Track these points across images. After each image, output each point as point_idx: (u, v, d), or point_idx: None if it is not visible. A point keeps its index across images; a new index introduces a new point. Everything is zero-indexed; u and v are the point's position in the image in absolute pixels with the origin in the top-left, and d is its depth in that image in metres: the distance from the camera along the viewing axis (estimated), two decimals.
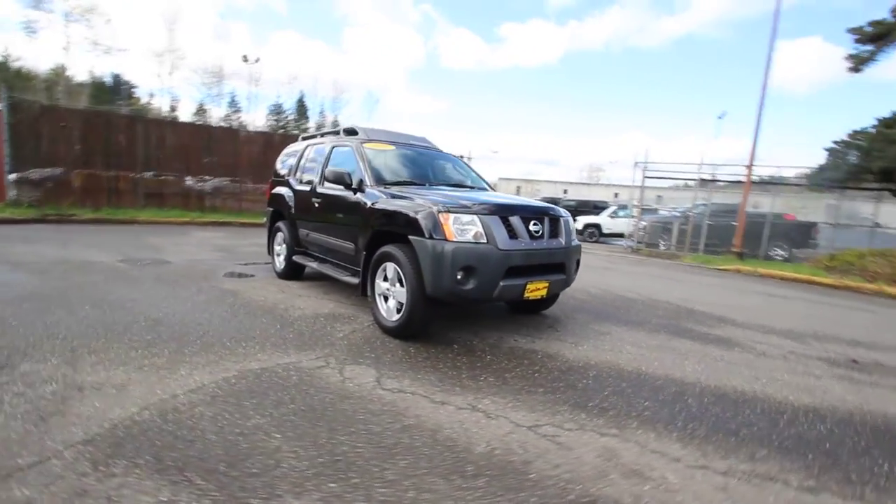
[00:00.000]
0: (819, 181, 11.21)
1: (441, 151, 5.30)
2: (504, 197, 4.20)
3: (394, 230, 3.60)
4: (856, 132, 11.06)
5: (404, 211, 3.47)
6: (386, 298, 3.71)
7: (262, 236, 10.13)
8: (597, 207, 22.64)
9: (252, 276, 5.76)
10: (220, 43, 67.24)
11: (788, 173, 16.32)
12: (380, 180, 4.12)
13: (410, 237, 3.35)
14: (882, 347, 4.26)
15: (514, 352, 3.43)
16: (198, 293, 4.64)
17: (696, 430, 2.40)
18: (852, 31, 10.20)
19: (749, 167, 12.45)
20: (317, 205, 4.79)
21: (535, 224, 3.61)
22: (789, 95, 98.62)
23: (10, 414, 2.13)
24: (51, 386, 2.43)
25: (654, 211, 18.45)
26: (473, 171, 5.23)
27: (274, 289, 5.04)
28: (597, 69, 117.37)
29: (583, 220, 18.78)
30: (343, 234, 4.33)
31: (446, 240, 3.20)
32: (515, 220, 3.49)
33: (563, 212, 4.01)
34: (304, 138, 6.20)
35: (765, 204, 14.08)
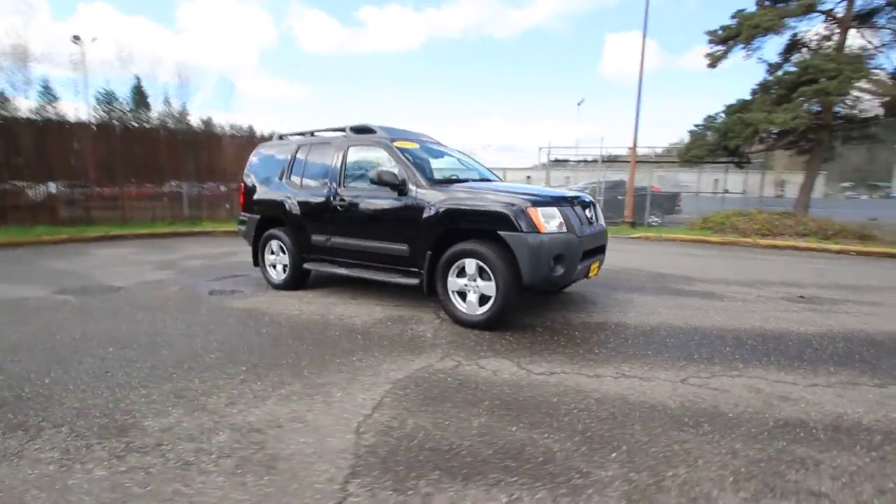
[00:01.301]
0: (688, 157, 13.67)
1: (447, 147, 5.41)
2: (552, 189, 4.56)
3: (473, 227, 3.72)
4: (709, 116, 13.73)
5: (490, 208, 3.62)
6: (462, 294, 3.83)
7: (190, 248, 9.06)
8: None
9: (241, 291, 5.25)
10: (18, 18, 54.45)
11: (635, 151, 19.36)
12: (428, 179, 4.15)
13: (501, 232, 3.53)
14: (804, 285, 5.66)
15: (589, 327, 3.86)
16: (219, 316, 4.16)
17: (779, 360, 3.10)
18: (709, 33, 12.60)
19: (633, 148, 14.56)
20: (340, 208, 4.58)
21: (588, 211, 4.05)
22: (616, 83, 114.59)
23: (226, 472, 1.89)
24: (222, 435, 2.17)
25: None
26: (479, 163, 5.47)
27: (295, 301, 4.71)
28: (457, 56, 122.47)
29: None
30: (390, 237, 4.25)
31: (539, 232, 3.47)
32: (578, 209, 3.88)
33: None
34: (281, 137, 5.75)
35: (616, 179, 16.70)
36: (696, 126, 13.88)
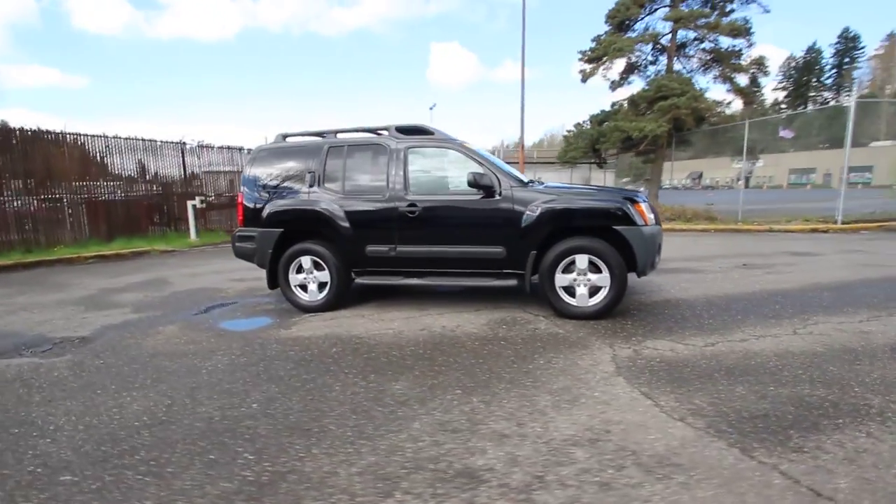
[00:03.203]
0: (566, 158, 15.85)
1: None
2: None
3: (584, 225, 3.98)
4: (578, 124, 16.13)
5: (607, 206, 3.93)
6: (566, 289, 4.04)
7: (82, 281, 7.06)
8: None
9: (268, 320, 4.51)
10: None
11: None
12: (518, 180, 4.23)
13: (618, 227, 3.86)
14: (730, 256, 7.32)
15: (664, 305, 4.47)
16: (308, 351, 3.59)
17: (817, 310, 4.12)
18: (581, 52, 14.81)
19: (521, 149, 16.19)
20: (411, 215, 4.30)
21: None
22: (447, 89, 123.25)
23: (649, 478, 1.88)
24: (577, 451, 2.08)
25: None
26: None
27: (364, 321, 4.28)
28: (281, 52, 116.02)
29: None
30: (482, 240, 4.20)
31: (647, 224, 3.92)
32: None
33: None
34: (285, 137, 5.03)
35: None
36: (569, 132, 16.16)
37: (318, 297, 4.67)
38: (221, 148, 14.65)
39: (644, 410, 2.43)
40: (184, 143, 13.64)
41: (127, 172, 12.54)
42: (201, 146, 14.07)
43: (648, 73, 16.16)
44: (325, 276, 4.62)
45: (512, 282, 4.19)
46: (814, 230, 10.42)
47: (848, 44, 60.11)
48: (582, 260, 3.97)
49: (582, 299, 4.02)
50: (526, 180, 4.38)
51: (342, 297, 4.69)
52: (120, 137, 12.19)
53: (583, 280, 4.00)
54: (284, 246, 4.69)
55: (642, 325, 3.88)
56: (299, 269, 4.70)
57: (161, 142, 13.03)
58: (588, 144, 15.27)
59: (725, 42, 14.09)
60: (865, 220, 10.83)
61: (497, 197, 4.14)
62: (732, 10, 14.29)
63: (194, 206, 12.82)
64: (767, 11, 13.75)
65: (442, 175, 4.49)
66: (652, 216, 4.07)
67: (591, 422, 2.33)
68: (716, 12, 14.16)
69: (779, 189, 49.60)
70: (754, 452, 2.01)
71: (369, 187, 4.51)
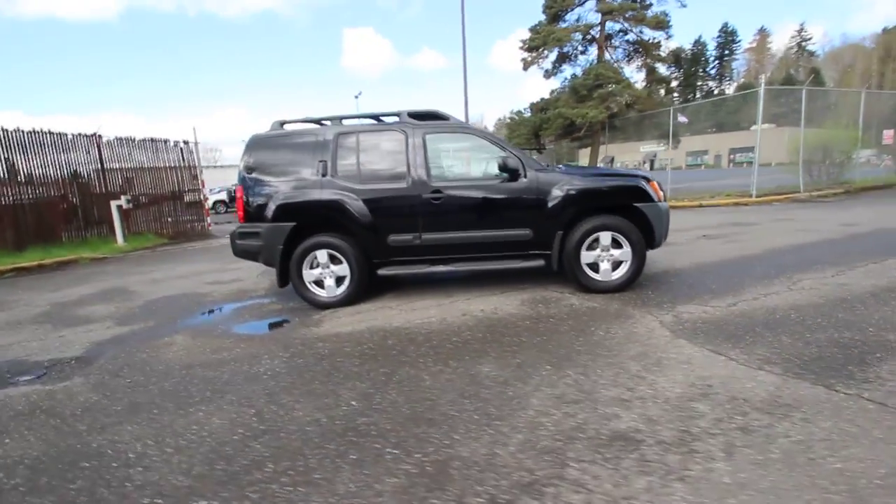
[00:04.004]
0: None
1: None
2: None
3: (612, 203, 4.24)
4: (518, 111, 16.72)
5: (628, 185, 4.21)
6: (591, 265, 4.28)
7: (39, 293, 6.17)
8: None
9: (291, 319, 4.27)
10: None
11: None
12: (538, 163, 4.36)
13: (638, 205, 4.15)
14: (688, 229, 8.08)
15: (665, 275, 4.90)
16: (362, 346, 3.49)
17: (793, 269, 4.76)
18: (522, 41, 15.23)
19: None
20: (436, 202, 4.26)
21: None
22: (364, 76, 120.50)
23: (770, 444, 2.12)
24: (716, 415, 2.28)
25: None
26: None
27: (395, 313, 4.21)
28: (174, 36, 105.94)
29: None
30: (509, 223, 4.29)
31: (660, 201, 4.26)
32: None
33: None
34: (283, 124, 4.72)
35: None
36: (511, 119, 16.67)
37: (337, 292, 4.49)
38: (144, 141, 13.19)
39: (724, 364, 2.71)
40: (99, 136, 12.08)
41: (33, 171, 10.86)
42: (120, 140, 12.56)
43: (579, 62, 17.17)
44: (342, 269, 4.45)
45: (539, 262, 4.35)
46: (736, 204, 11.82)
47: (727, 38, 67.84)
48: (605, 237, 4.22)
49: (605, 274, 4.29)
50: (544, 164, 4.54)
51: (362, 290, 4.55)
52: (21, 130, 10.50)
53: (606, 256, 4.27)
54: (294, 241, 4.43)
55: (663, 293, 4.23)
56: (312, 265, 4.48)
57: (73, 135, 11.43)
58: (530, 131, 15.89)
59: (648, 34, 15.33)
60: (773, 193, 12.49)
61: (523, 180, 4.25)
62: (651, 4, 15.54)
63: (120, 206, 11.45)
64: (684, 6, 15.20)
65: (463, 160, 4.52)
66: (662, 193, 4.43)
67: (688, 379, 2.56)
68: (638, 4, 15.31)
69: (678, 170, 55.29)
70: (836, 387, 2.35)
71: (388, 175, 4.39)
